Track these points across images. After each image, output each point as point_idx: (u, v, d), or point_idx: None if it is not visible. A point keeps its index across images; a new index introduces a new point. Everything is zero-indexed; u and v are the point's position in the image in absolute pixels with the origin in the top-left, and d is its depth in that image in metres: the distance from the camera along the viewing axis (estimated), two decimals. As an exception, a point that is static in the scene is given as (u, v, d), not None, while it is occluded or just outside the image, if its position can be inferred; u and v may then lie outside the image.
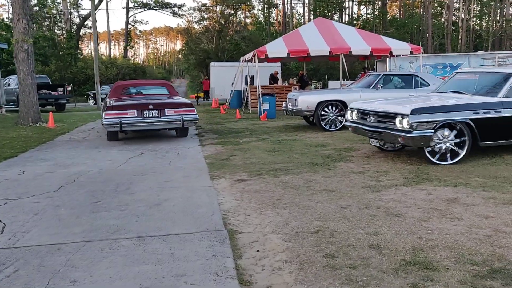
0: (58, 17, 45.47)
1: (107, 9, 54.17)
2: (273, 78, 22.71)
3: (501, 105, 7.35)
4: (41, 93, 23.21)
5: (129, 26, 55.02)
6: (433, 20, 50.10)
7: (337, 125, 11.82)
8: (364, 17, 52.12)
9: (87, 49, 66.90)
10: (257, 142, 10.18)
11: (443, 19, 54.96)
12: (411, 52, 17.29)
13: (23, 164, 8.33)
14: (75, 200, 5.70)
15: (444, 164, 7.13)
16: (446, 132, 7.16)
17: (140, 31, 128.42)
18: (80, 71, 40.23)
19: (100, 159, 8.63)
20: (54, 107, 24.51)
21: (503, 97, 7.42)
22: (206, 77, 29.25)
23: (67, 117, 19.09)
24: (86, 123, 16.13)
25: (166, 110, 10.45)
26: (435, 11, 55.38)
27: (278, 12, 57.40)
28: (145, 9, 53.17)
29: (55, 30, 44.85)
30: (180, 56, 62.86)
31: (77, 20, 46.38)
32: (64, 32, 42.85)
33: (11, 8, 14.12)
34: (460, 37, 49.53)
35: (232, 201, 5.47)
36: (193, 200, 5.55)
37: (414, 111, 7.03)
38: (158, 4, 51.99)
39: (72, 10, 45.97)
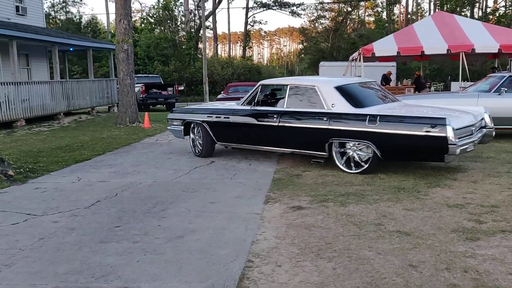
0: (181, 18, 47.20)
1: (228, 8, 55.20)
2: (385, 79, 20.74)
3: (232, 112, 8.32)
4: (152, 93, 23.89)
5: (248, 26, 55.49)
6: None
7: None
8: (501, 11, 46.74)
9: (206, 49, 69.19)
10: (344, 154, 8.77)
11: None
12: (554, 49, 14.38)
13: (87, 170, 7.94)
14: (97, 222, 4.92)
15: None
16: (196, 129, 8.87)
17: (265, 32, 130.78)
18: (198, 71, 41.16)
19: (164, 168, 7.93)
20: (164, 106, 25.05)
21: (241, 104, 8.34)
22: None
23: (169, 117, 19.11)
24: (182, 124, 15.84)
25: None
26: None
27: (402, 9, 53.98)
28: (264, 9, 53.18)
29: (179, 31, 46.59)
30: (302, 56, 62.44)
31: (198, 21, 47.75)
32: (184, 33, 44.31)
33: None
34: None
35: (272, 239, 4.28)
36: (225, 233, 4.46)
37: (171, 111, 9.96)
38: (277, 4, 51.72)
39: (195, 12, 47.54)
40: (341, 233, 4.33)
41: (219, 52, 75.16)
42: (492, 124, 7.46)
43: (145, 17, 46.28)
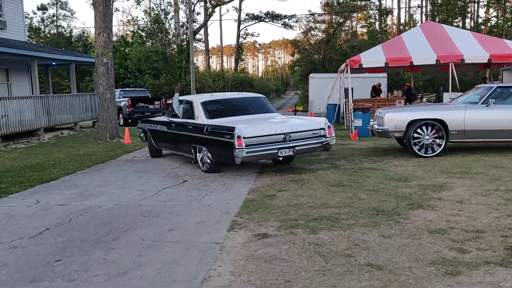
0: (173, 31, 46.87)
1: (220, 20, 55.02)
2: (375, 90, 20.38)
3: (159, 122, 10.33)
4: (138, 107, 23.39)
5: (240, 39, 55.28)
6: None
7: (435, 149, 9.41)
8: (492, 21, 46.59)
9: (196, 62, 68.89)
10: (325, 171, 8.28)
11: None
12: (544, 59, 14.01)
13: (49, 191, 7.43)
14: (36, 255, 4.40)
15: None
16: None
17: (260, 44, 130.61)
18: (189, 84, 40.73)
19: (131, 188, 7.42)
20: (151, 120, 24.61)
21: (165, 116, 10.41)
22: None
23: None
24: (166, 139, 15.34)
25: None
26: None
27: (394, 20, 53.86)
28: (256, 21, 53.04)
29: (170, 44, 46.23)
30: (296, 68, 62.56)
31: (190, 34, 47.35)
32: (175, 46, 43.95)
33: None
34: None
35: (227, 275, 3.77)
36: (175, 268, 3.94)
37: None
38: (268, 16, 51.57)
39: (187, 24, 47.25)
40: (305, 268, 3.82)
41: (214, 65, 74.87)
42: (333, 134, 8.53)
43: (135, 30, 45.88)
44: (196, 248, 4.45)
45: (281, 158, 8.44)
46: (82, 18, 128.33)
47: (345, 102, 17.78)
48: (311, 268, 3.81)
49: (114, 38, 51.15)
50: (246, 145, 7.59)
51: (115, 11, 50.74)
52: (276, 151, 7.87)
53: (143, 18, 43.95)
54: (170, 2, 43.87)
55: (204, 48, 53.53)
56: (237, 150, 7.51)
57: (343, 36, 47.27)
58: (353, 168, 8.47)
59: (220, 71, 49.43)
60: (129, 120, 23.08)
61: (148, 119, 11.37)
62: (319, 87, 23.90)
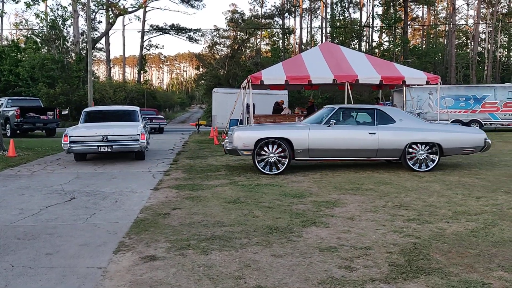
0: (72, 39, 44.60)
1: (123, 30, 53.46)
2: (277, 107, 20.79)
3: None
4: (29, 117, 21.84)
5: (144, 50, 54.07)
6: (458, 50, 47.85)
7: (279, 167, 9.64)
8: (385, 45, 50.08)
9: (97, 72, 66.35)
10: (223, 187, 8.16)
11: (468, 50, 52.64)
12: (428, 82, 15.12)
13: None
14: None
15: None
16: None
17: (165, 57, 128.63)
18: (87, 94, 39.01)
19: (9, 207, 6.74)
20: (44, 131, 23.05)
21: None
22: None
23: (45, 144, 17.41)
24: (58, 153, 14.37)
25: None
26: (460, 41, 53.13)
27: (296, 39, 55.89)
28: (161, 33, 52.28)
29: (69, 52, 43.90)
30: (201, 81, 62.20)
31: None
32: (73, 54, 41.87)
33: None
34: (486, 68, 47.01)
35: (105, 304, 3.44)
36: (47, 299, 3.54)
37: None
38: (173, 29, 51.07)
39: (86, 32, 45.25)
40: (192, 293, 3.61)
41: (116, 76, 72.34)
42: (145, 139, 11.45)
43: (29, 35, 43.04)
44: (75, 274, 4.06)
45: (104, 151, 11.14)
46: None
47: (247, 117, 17.91)
48: (198, 293, 3.61)
49: (5, 42, 47.66)
50: (71, 142, 10.93)
51: (3, 13, 47.27)
52: (96, 147, 11.06)
53: (38, 23, 41.29)
54: (66, 8, 41.79)
55: (105, 58, 51.66)
56: (63, 144, 11.02)
57: (248, 52, 48.13)
58: (251, 184, 8.43)
59: (122, 82, 47.90)
60: (18, 131, 21.44)
61: None
62: (223, 102, 23.96)
